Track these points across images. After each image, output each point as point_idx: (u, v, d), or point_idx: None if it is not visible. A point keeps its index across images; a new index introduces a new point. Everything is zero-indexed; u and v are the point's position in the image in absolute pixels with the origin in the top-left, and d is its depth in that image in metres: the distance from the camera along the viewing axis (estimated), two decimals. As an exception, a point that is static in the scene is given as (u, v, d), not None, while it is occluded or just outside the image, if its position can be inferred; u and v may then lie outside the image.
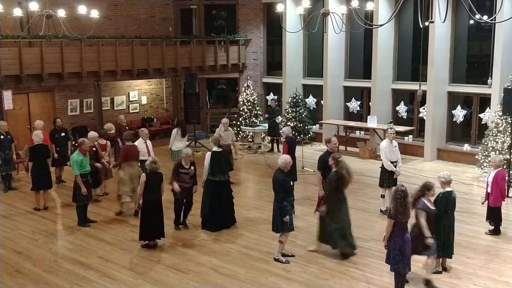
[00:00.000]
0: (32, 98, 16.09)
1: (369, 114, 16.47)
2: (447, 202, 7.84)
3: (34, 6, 10.86)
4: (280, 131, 13.28)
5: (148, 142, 11.68)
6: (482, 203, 10.12)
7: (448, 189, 7.90)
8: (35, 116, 16.06)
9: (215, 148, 10.07)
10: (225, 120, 13.23)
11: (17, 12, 11.48)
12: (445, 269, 8.13)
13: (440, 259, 8.08)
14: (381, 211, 10.71)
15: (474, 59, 16.00)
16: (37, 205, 11.39)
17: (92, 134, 11.70)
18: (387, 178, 10.53)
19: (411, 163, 14.89)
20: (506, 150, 12.35)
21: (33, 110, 16.12)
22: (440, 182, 7.97)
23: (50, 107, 16.56)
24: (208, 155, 10.00)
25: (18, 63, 13.96)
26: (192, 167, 9.83)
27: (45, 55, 14.44)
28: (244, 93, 18.40)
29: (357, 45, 17.73)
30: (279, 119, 17.09)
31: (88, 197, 10.40)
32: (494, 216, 9.57)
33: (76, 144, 10.82)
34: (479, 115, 14.81)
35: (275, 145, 16.88)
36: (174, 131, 13.03)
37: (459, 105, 15.19)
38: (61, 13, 11.40)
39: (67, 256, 8.97)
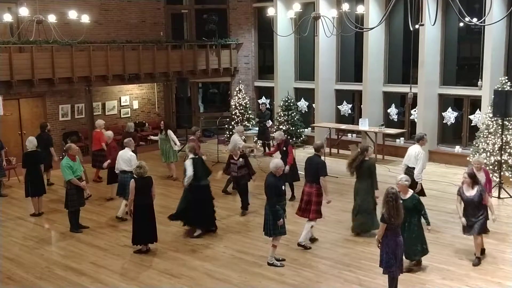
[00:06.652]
0: (23, 104, 16.01)
1: (361, 117, 16.53)
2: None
3: (24, 12, 10.84)
4: (272, 134, 13.47)
5: None
6: None
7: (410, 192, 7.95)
8: (26, 121, 16.02)
9: (191, 156, 10.03)
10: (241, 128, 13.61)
11: (7, 17, 11.47)
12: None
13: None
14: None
15: (464, 61, 16.11)
16: (34, 211, 11.32)
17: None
18: None
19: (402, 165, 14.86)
20: (497, 151, 12.43)
21: (24, 115, 16.05)
22: (404, 186, 7.79)
23: (41, 112, 16.48)
24: (189, 162, 9.88)
25: (8, 68, 13.89)
26: (241, 159, 11.08)
27: (36, 60, 14.38)
28: (236, 97, 18.40)
29: (348, 48, 17.78)
30: (269, 123, 17.10)
31: (80, 203, 10.33)
32: None
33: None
34: (469, 116, 14.90)
35: (266, 149, 16.88)
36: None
37: (450, 107, 15.26)
38: (52, 18, 11.40)
39: (59, 262, 8.92)
